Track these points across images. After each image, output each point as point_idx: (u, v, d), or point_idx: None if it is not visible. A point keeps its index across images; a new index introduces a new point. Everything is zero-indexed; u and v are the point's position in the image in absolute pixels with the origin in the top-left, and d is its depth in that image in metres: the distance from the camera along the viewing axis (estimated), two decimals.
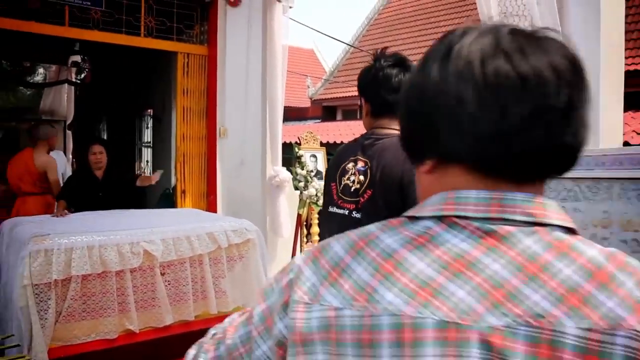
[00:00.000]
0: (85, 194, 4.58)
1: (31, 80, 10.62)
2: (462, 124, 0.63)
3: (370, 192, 1.81)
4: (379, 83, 1.89)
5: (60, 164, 5.92)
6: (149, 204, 6.81)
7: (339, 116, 18.21)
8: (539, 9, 3.14)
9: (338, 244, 0.70)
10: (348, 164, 1.93)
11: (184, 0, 5.40)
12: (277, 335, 0.70)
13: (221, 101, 5.45)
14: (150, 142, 8.98)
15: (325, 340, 0.65)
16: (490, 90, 0.61)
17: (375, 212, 1.75)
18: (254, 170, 5.57)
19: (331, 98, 17.92)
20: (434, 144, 0.67)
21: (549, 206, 0.65)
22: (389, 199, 1.76)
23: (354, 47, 17.08)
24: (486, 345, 0.58)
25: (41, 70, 10.71)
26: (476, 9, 4.06)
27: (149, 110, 8.82)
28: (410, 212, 0.69)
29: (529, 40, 0.63)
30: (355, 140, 1.97)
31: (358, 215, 1.81)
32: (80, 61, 10.47)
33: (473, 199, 0.65)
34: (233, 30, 5.41)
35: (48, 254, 3.27)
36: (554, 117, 0.62)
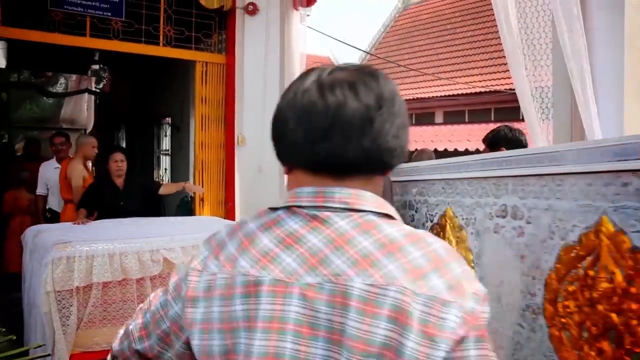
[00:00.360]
0: (106, 202, 4.61)
1: (53, 90, 10.79)
2: (286, 139, 0.89)
3: None
4: None
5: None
6: (167, 211, 6.86)
7: None
8: (562, 14, 3.11)
9: (224, 229, 0.96)
10: None
11: (202, 10, 5.45)
12: (184, 298, 0.92)
13: (239, 109, 5.49)
14: (168, 150, 9.06)
15: (205, 298, 0.89)
16: (304, 113, 0.86)
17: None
18: (272, 177, 5.58)
19: None
20: (279, 155, 0.93)
21: (363, 197, 0.87)
22: None
23: (370, 54, 17.09)
24: (303, 297, 0.81)
25: (62, 80, 10.88)
26: (492, 16, 4.03)
27: (168, 119, 8.90)
28: (273, 206, 0.92)
29: (342, 77, 0.87)
30: None
31: None
32: (100, 70, 10.62)
33: (305, 193, 0.88)
34: (251, 39, 5.45)
35: (70, 261, 3.30)
36: (350, 129, 0.84)
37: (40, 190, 5.83)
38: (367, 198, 0.87)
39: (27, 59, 9.22)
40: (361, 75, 0.88)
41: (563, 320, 1.32)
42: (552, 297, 1.36)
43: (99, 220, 4.35)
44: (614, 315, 1.18)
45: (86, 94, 10.83)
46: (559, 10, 3.15)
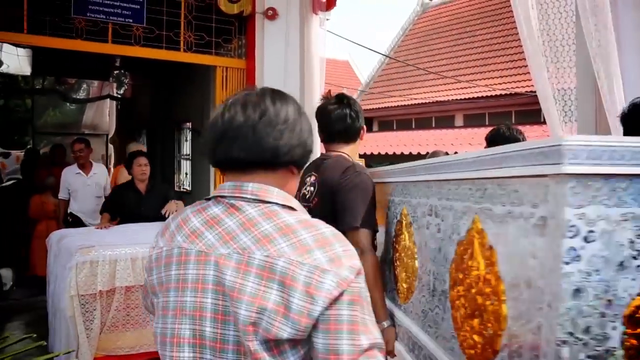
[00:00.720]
0: (128, 207, 4.65)
1: (76, 96, 10.95)
2: (204, 147, 1.19)
3: (317, 199, 2.36)
4: (325, 118, 2.43)
5: (102, 176, 6.04)
6: None
7: (375, 127, 18.18)
8: (590, 14, 3.07)
9: (172, 216, 1.27)
10: (307, 177, 2.45)
11: (222, 15, 5.48)
12: (147, 268, 1.24)
13: None
14: (189, 155, 9.13)
15: (156, 266, 1.18)
16: (211, 127, 1.17)
17: (320, 214, 2.23)
18: None
19: (367, 109, 17.90)
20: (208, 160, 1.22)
21: (271, 192, 1.14)
22: (327, 203, 2.29)
23: (389, 57, 17.05)
24: (216, 264, 1.08)
25: (85, 86, 11.03)
26: (512, 17, 3.99)
27: (188, 123, 8.96)
28: (208, 196, 1.21)
29: (241, 99, 1.17)
30: (315, 160, 2.51)
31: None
32: (121, 76, 10.74)
33: (227, 186, 1.16)
34: (271, 44, 5.46)
35: (93, 265, 3.34)
36: (235, 135, 1.13)
37: (62, 195, 5.91)
38: (274, 193, 1.15)
39: (51, 65, 9.38)
40: (255, 97, 1.18)
41: (457, 302, 1.61)
42: (452, 284, 1.64)
43: (121, 225, 4.40)
44: (478, 297, 1.46)
45: (108, 99, 10.98)
46: (587, 10, 3.10)
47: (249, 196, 1.13)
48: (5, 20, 4.61)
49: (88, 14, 4.88)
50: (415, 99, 15.22)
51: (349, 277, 1.03)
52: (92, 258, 3.35)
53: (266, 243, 1.05)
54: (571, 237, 1.10)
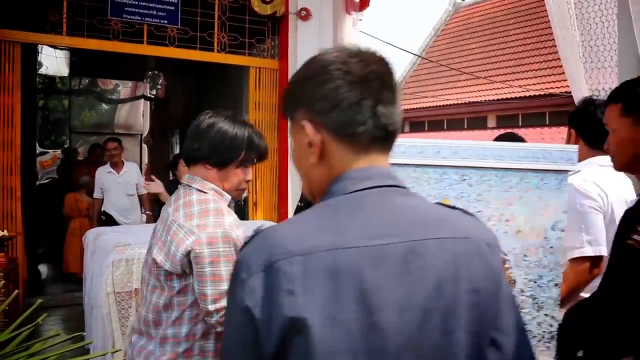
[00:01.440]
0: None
1: (111, 97, 11.14)
2: None
3: None
4: None
5: (134, 175, 6.10)
6: None
7: (406, 128, 18.05)
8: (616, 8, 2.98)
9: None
10: None
11: (255, 16, 5.51)
12: None
13: None
14: None
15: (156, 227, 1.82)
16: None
17: (309, 206, 2.66)
18: None
19: None
20: None
21: (195, 180, 1.71)
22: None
23: (421, 57, 16.90)
24: (164, 225, 1.70)
25: (120, 86, 11.21)
26: (546, 16, 3.90)
27: None
28: None
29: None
30: None
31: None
32: (155, 77, 10.89)
33: (185, 178, 1.76)
34: (304, 44, 5.45)
35: (129, 263, 3.37)
36: (185, 143, 1.80)
37: (96, 194, 5.99)
38: (196, 181, 1.72)
39: (87, 67, 9.57)
40: (202, 116, 1.75)
41: None
42: None
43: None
44: None
45: (142, 99, 11.14)
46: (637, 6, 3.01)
47: (185, 183, 1.74)
48: (45, 23, 4.72)
49: (124, 16, 4.96)
50: (447, 99, 15.07)
51: (203, 240, 1.57)
52: (128, 256, 3.39)
53: (175, 212, 1.66)
54: None
